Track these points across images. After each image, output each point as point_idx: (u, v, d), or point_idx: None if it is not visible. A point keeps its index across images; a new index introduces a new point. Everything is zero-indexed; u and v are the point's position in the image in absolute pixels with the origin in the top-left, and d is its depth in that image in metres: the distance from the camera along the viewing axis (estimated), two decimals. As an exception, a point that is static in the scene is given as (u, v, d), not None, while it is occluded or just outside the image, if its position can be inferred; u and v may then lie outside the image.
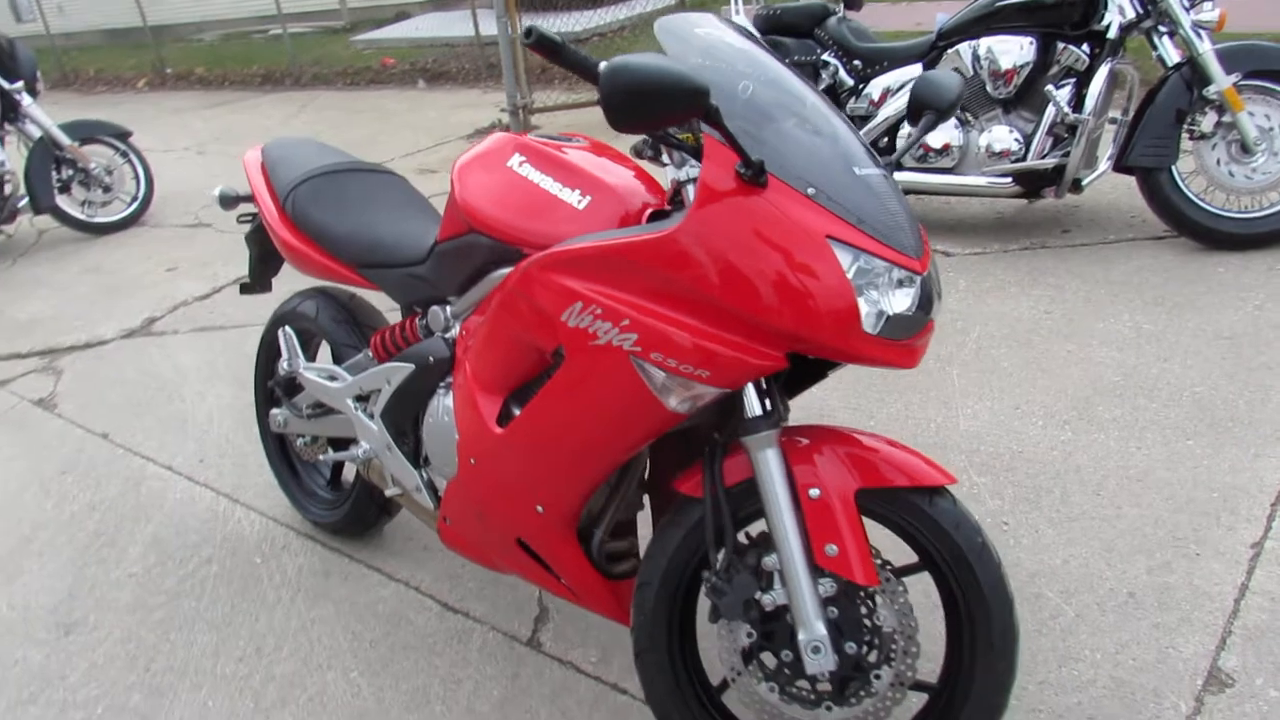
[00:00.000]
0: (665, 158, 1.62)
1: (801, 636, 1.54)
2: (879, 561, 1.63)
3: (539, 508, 1.77)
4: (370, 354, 2.20)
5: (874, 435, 1.66)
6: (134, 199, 5.92)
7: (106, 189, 5.82)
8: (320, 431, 2.44)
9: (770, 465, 1.56)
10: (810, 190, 1.43)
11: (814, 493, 1.56)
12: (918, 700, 1.68)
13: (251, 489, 2.91)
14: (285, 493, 2.73)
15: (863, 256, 1.43)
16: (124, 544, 2.74)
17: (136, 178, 5.95)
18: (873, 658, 1.60)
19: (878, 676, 1.60)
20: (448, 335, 1.98)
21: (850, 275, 1.41)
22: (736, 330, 1.46)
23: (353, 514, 2.52)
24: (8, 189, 5.51)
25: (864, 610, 1.60)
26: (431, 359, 2.01)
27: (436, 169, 6.29)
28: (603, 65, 1.29)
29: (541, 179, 1.72)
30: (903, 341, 1.48)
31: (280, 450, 2.74)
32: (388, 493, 2.21)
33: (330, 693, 2.11)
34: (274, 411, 2.56)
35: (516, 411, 1.74)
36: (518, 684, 2.07)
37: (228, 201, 2.50)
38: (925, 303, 1.50)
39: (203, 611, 2.42)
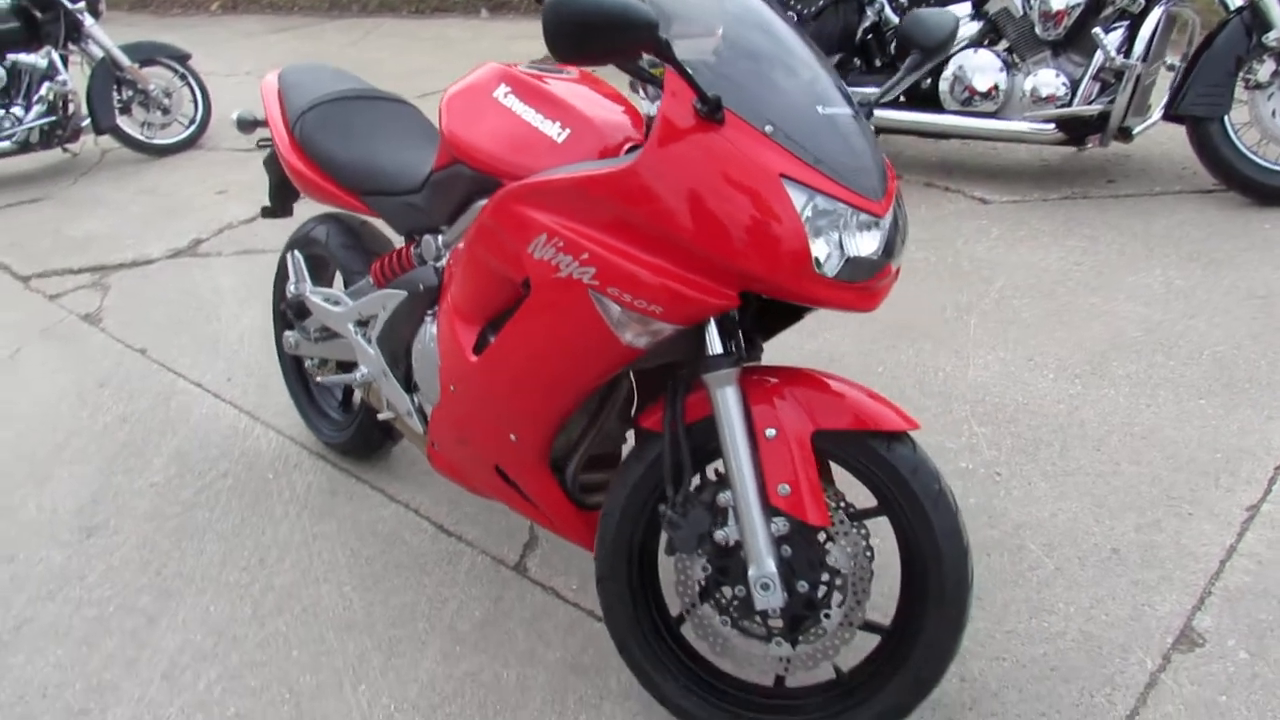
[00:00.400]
0: (640, 92, 1.62)
1: (752, 572, 1.57)
2: (838, 504, 1.65)
3: (512, 436, 1.81)
4: (371, 280, 2.25)
5: (842, 379, 1.66)
6: (191, 121, 6.04)
7: (165, 111, 5.95)
8: (326, 354, 2.52)
9: (728, 403, 1.57)
10: (768, 128, 1.42)
11: (770, 432, 1.57)
12: (871, 641, 1.70)
13: (272, 408, 3.01)
14: (300, 413, 2.82)
15: (818, 197, 1.41)
16: (149, 455, 2.86)
17: (194, 100, 6.06)
18: (823, 597, 1.62)
19: (827, 615, 1.62)
20: (438, 264, 2.02)
21: (803, 216, 1.40)
22: (692, 267, 1.47)
23: (358, 436, 2.60)
24: (70, 108, 5.66)
25: (816, 550, 1.62)
26: (421, 286, 2.05)
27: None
28: (546, -3, 1.29)
29: (524, 110, 1.73)
30: (859, 284, 1.47)
31: (296, 371, 2.82)
32: (380, 416, 2.27)
33: (323, 604, 2.20)
34: (286, 334, 2.63)
35: (493, 341, 1.77)
36: (500, 606, 2.14)
37: (245, 125, 2.55)
38: (886, 247, 1.48)
39: (214, 522, 2.53)
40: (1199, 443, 2.37)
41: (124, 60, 5.70)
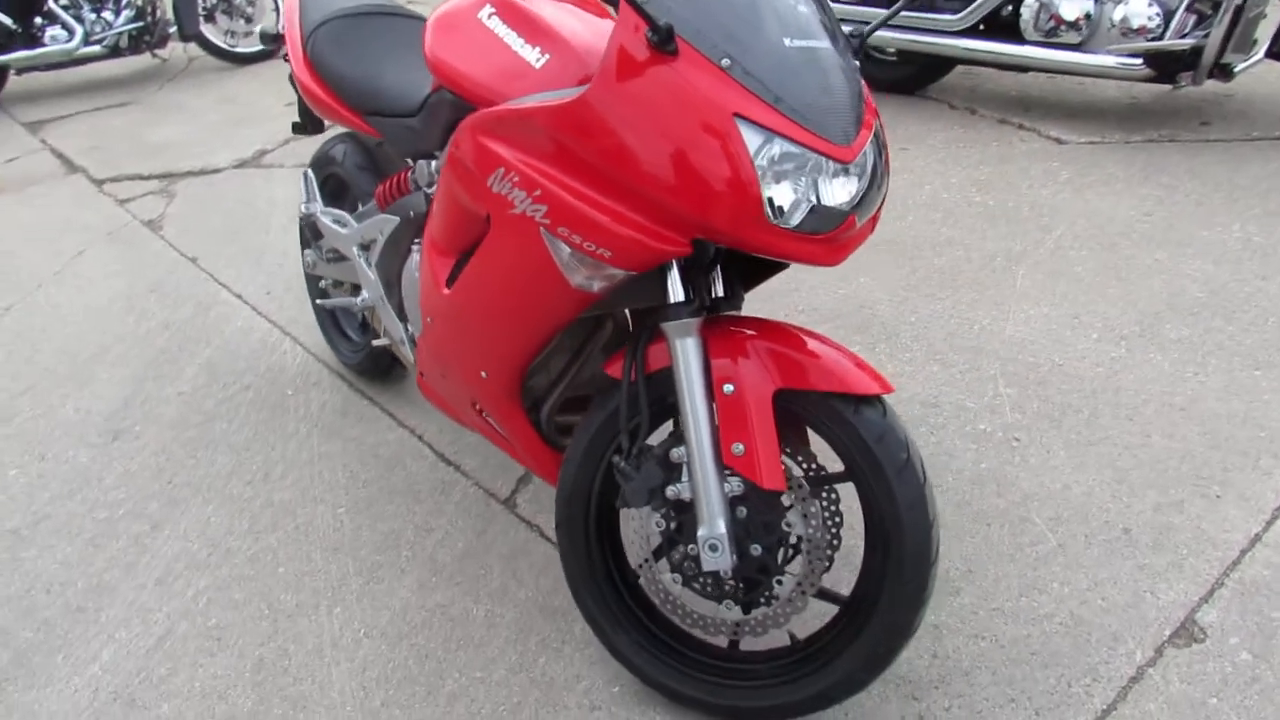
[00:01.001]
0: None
1: (701, 532, 1.50)
2: (807, 467, 1.57)
3: (482, 373, 1.77)
4: (375, 203, 2.22)
5: (817, 336, 1.56)
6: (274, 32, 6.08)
7: (248, 19, 6.00)
8: (337, 276, 2.51)
9: (686, 354, 1.49)
10: (725, 61, 1.31)
11: (728, 388, 1.49)
12: (829, 610, 1.63)
13: (302, 325, 3.04)
14: (322, 332, 2.84)
15: (776, 140, 1.30)
16: (182, 363, 2.93)
17: (276, 9, 6.08)
18: (777, 563, 1.55)
19: (779, 582, 1.55)
20: (429, 190, 1.97)
21: (757, 159, 1.30)
22: (642, 210, 1.38)
23: (369, 359, 2.60)
24: (157, 14, 5.75)
25: (773, 514, 1.54)
26: (412, 213, 2.01)
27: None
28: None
29: (506, 34, 1.64)
30: (821, 236, 1.36)
31: (319, 290, 2.83)
32: (375, 343, 2.26)
33: (315, 524, 2.23)
34: (304, 252, 2.64)
35: (460, 275, 1.72)
36: (482, 540, 2.13)
37: (268, 39, 2.52)
38: (853, 197, 1.37)
39: (229, 434, 2.58)
40: (1244, 419, 2.18)
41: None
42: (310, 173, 2.49)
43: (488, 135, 1.53)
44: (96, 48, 5.71)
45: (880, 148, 1.43)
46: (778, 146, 1.31)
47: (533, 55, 1.58)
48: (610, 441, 1.65)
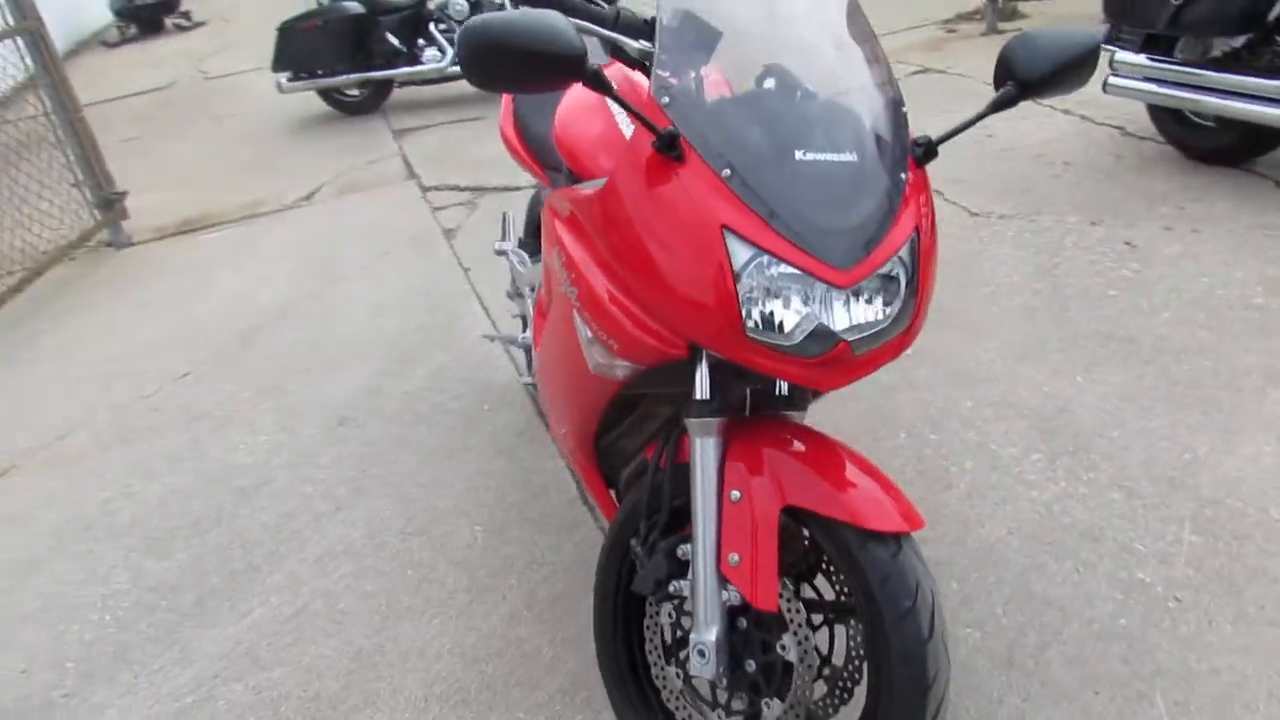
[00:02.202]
0: None
1: (692, 636, 1.48)
2: (817, 591, 1.49)
3: (562, 429, 1.85)
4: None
5: (854, 455, 1.47)
6: (611, 57, 6.52)
7: (590, 46, 6.48)
8: (519, 310, 2.69)
9: (702, 454, 1.47)
10: (725, 171, 1.28)
11: (735, 495, 1.45)
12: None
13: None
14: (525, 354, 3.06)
15: (764, 256, 1.25)
16: (417, 365, 3.29)
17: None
18: (768, 684, 1.48)
19: (767, 705, 1.48)
20: None
21: (739, 274, 1.25)
22: (646, 308, 1.38)
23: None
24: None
25: (769, 633, 1.47)
26: None
27: (910, 61, 5.99)
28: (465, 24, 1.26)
29: (613, 104, 1.68)
30: (807, 359, 1.28)
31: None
32: (522, 380, 2.41)
33: (453, 536, 2.43)
34: (508, 286, 2.85)
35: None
36: (580, 585, 2.20)
37: None
38: (848, 324, 1.27)
39: (425, 438, 2.86)
40: None
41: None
42: (508, 214, 2.69)
43: (552, 212, 1.60)
44: (457, 67, 6.45)
45: (911, 271, 1.32)
46: (765, 263, 1.26)
47: (626, 126, 1.63)
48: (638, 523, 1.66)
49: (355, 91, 6.86)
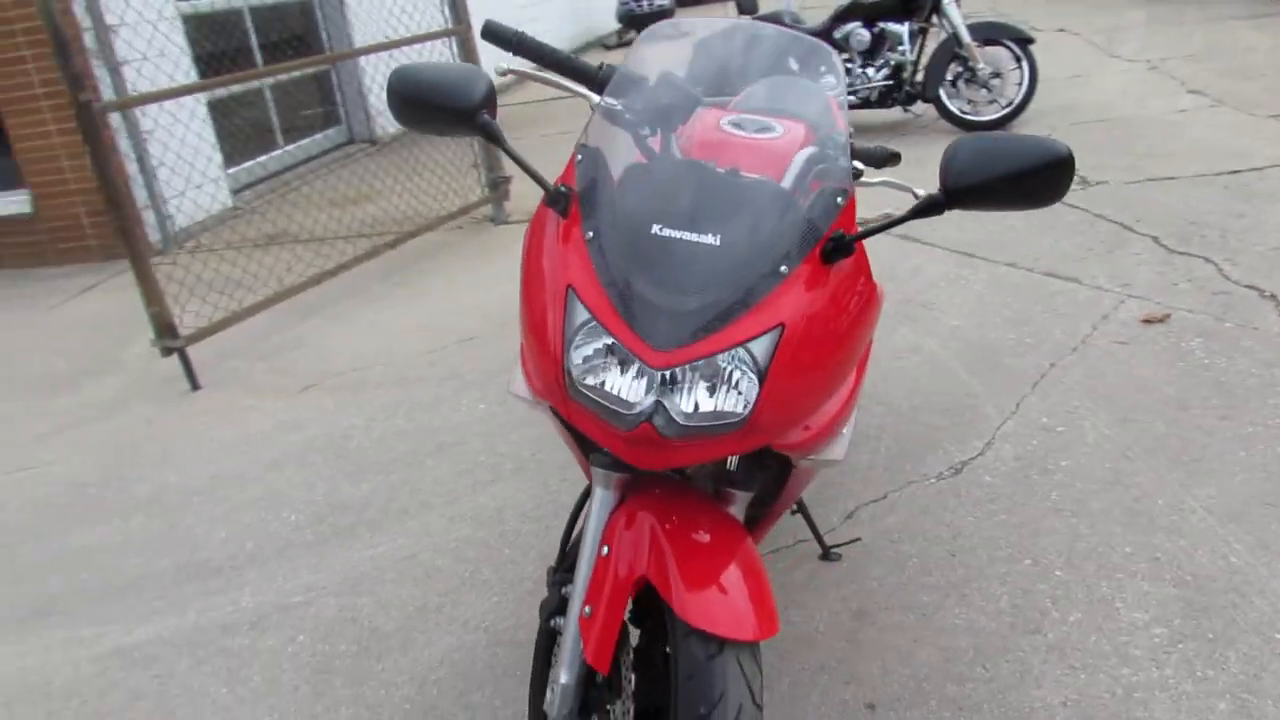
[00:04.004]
0: None
1: (552, 673, 1.53)
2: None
3: None
4: None
5: (733, 542, 1.44)
6: (1009, 104, 6.15)
7: (988, 89, 6.17)
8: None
9: (594, 502, 1.52)
10: (590, 234, 1.31)
11: (604, 550, 1.48)
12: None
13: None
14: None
15: (592, 322, 1.28)
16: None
17: (1020, 84, 6.13)
18: (602, 741, 1.49)
19: (596, 764, 1.49)
20: None
21: (570, 333, 1.29)
22: (525, 349, 1.46)
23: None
24: (904, 75, 6.30)
25: (611, 692, 1.48)
26: None
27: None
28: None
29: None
30: (616, 431, 1.28)
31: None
32: None
33: (554, 533, 2.60)
34: None
35: None
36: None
37: None
38: (657, 406, 1.24)
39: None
40: None
41: (965, 38, 6.05)
42: None
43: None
44: (851, 98, 6.48)
45: (760, 368, 1.25)
46: (592, 329, 1.28)
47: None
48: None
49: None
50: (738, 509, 1.59)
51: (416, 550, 2.61)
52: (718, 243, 1.28)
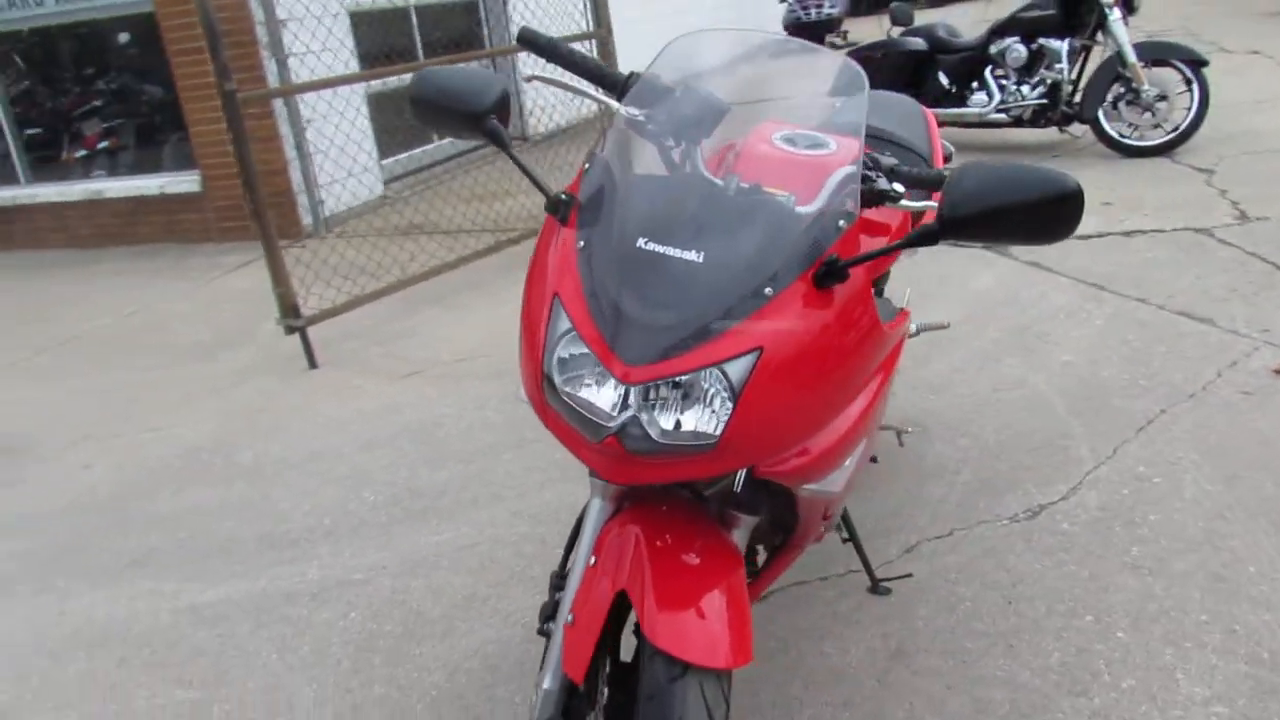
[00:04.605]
0: None
1: (538, 674, 1.54)
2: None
3: None
4: None
5: (718, 565, 1.42)
6: (1174, 129, 5.76)
7: (1152, 113, 5.79)
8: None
9: (590, 513, 1.53)
10: (581, 244, 1.32)
11: (591, 560, 1.48)
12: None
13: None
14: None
15: (573, 332, 1.28)
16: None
17: (1188, 109, 5.72)
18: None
19: (572, 774, 1.49)
20: None
21: (553, 341, 1.30)
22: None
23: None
24: (1060, 94, 5.98)
25: (587, 702, 1.48)
26: None
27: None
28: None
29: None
30: (588, 441, 1.28)
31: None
32: None
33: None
34: None
35: None
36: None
37: None
38: (623, 421, 1.23)
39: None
40: None
41: (1131, 57, 5.69)
42: None
43: None
44: (1003, 116, 6.23)
45: (735, 390, 1.22)
46: (572, 338, 1.28)
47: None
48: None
49: (903, 126, 6.98)
50: (741, 534, 1.56)
51: (478, 540, 2.67)
52: (700, 260, 1.26)
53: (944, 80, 6.47)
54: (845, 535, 2.26)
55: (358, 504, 2.96)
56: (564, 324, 1.30)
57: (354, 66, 6.70)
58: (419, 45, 7.88)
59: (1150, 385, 3.04)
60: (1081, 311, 3.68)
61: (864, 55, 6.72)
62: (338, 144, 6.35)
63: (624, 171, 1.40)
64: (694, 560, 1.42)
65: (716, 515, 1.56)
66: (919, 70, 6.58)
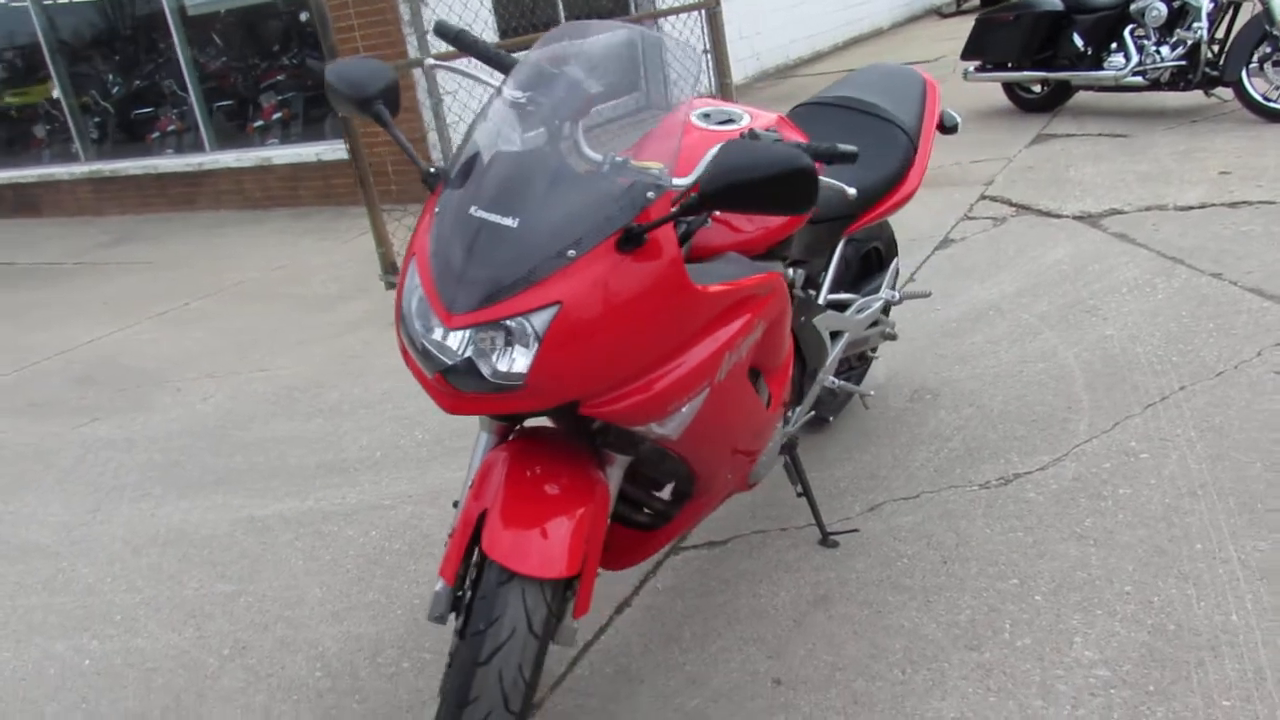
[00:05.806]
0: None
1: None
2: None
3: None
4: None
5: (568, 491, 1.63)
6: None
7: (1304, 74, 5.37)
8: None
9: (476, 443, 1.77)
10: (437, 210, 1.54)
11: (471, 483, 1.72)
12: None
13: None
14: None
15: (418, 284, 1.51)
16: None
17: (1344, 69, 5.27)
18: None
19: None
20: None
21: (409, 294, 1.53)
22: None
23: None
24: (1200, 55, 5.62)
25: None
26: None
27: None
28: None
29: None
30: (430, 377, 1.51)
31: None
32: None
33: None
34: None
35: None
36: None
37: None
38: (446, 357, 1.45)
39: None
40: None
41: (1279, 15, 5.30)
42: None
43: None
44: (1139, 79, 5.91)
45: (538, 337, 1.42)
46: (417, 289, 1.51)
47: None
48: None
49: (1036, 89, 6.73)
50: (614, 471, 1.76)
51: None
52: (515, 225, 1.46)
53: (1079, 42, 6.19)
54: (800, 490, 2.40)
55: (408, 440, 3.31)
56: (415, 279, 1.53)
57: (492, 38, 7.09)
58: (562, 17, 8.19)
59: (1180, 362, 2.96)
60: (1147, 285, 3.56)
61: (996, 18, 6.51)
62: (473, 111, 6.77)
63: (487, 147, 1.60)
64: (553, 489, 1.63)
65: (594, 454, 1.76)
66: (1054, 31, 6.32)
